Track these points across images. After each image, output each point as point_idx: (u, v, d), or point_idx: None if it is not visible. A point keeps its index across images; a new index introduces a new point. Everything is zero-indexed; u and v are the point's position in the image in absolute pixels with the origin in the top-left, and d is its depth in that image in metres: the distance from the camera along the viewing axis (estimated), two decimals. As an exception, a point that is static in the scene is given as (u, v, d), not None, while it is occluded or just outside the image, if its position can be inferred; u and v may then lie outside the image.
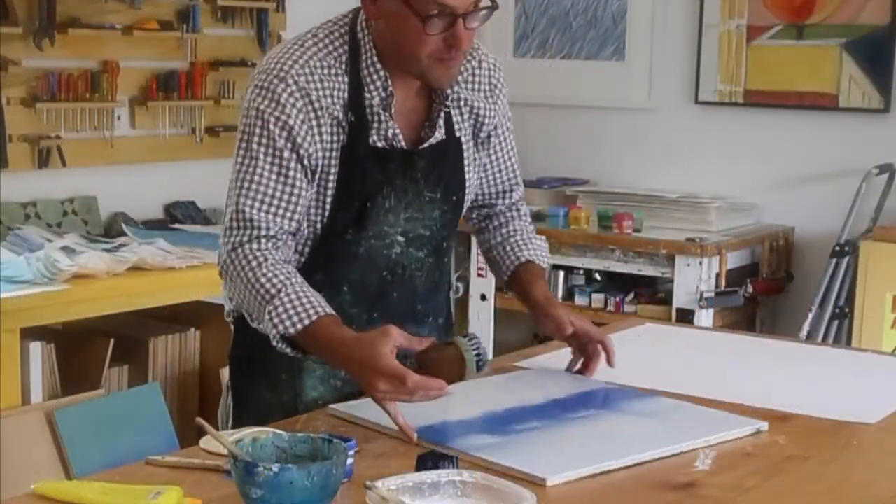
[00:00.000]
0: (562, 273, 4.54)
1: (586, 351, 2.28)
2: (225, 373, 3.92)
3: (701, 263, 4.26)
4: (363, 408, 2.02)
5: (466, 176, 2.26)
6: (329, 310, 2.00)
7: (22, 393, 3.48)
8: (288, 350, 2.02)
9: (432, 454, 1.73)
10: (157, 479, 1.72)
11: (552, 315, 2.27)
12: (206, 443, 1.87)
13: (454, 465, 1.71)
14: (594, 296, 4.58)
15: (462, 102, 2.24)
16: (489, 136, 2.30)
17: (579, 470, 1.79)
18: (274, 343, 2.01)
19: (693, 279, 4.27)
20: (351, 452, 1.72)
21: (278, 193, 2.07)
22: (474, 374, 2.02)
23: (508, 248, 2.39)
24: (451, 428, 1.94)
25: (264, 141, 2.07)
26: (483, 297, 4.76)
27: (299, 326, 1.97)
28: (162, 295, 3.83)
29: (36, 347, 3.55)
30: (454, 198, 2.24)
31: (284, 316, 1.98)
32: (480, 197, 2.40)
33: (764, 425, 2.03)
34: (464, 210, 2.30)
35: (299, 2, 5.05)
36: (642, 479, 1.80)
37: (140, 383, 3.88)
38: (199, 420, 1.69)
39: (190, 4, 4.57)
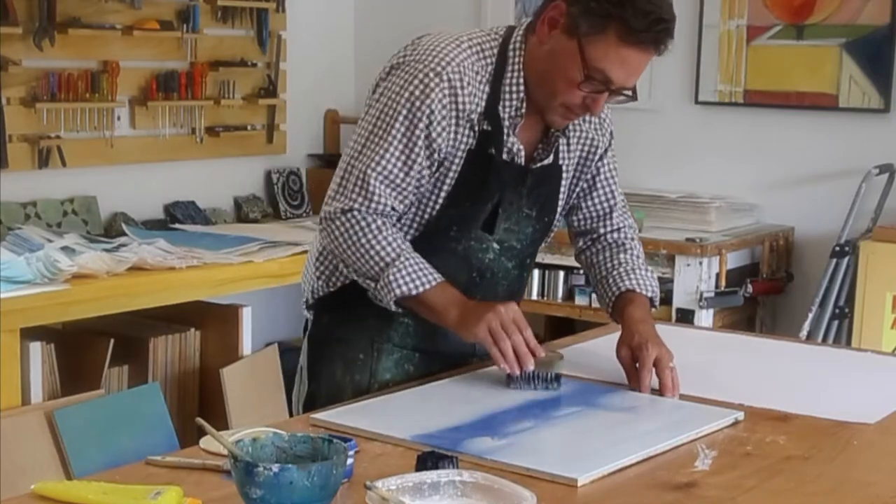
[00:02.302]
0: (562, 273, 4.53)
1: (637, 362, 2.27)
2: (225, 373, 3.96)
3: (701, 263, 4.26)
4: (345, 415, 2.03)
5: (560, 201, 2.35)
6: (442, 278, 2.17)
7: (22, 393, 3.48)
8: (392, 307, 2.17)
9: (432, 454, 1.73)
10: (157, 479, 1.72)
11: (628, 328, 2.29)
12: (206, 443, 1.87)
13: (454, 465, 1.71)
14: (594, 296, 4.55)
15: (574, 132, 2.32)
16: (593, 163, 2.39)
17: (604, 468, 1.80)
18: (386, 302, 2.16)
19: (693, 279, 4.27)
20: (351, 452, 1.72)
21: (402, 176, 2.17)
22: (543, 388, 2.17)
23: (611, 280, 2.42)
24: (448, 434, 1.93)
25: (405, 126, 2.15)
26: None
27: (421, 289, 2.14)
28: (162, 295, 3.83)
29: (36, 347, 3.55)
30: (546, 219, 2.34)
31: (409, 278, 2.14)
32: (583, 221, 2.46)
33: (741, 415, 2.08)
34: (551, 233, 2.39)
35: (299, 2, 5.05)
36: (642, 479, 1.80)
37: (140, 383, 3.88)
38: (199, 420, 1.69)
39: (190, 4, 4.58)
